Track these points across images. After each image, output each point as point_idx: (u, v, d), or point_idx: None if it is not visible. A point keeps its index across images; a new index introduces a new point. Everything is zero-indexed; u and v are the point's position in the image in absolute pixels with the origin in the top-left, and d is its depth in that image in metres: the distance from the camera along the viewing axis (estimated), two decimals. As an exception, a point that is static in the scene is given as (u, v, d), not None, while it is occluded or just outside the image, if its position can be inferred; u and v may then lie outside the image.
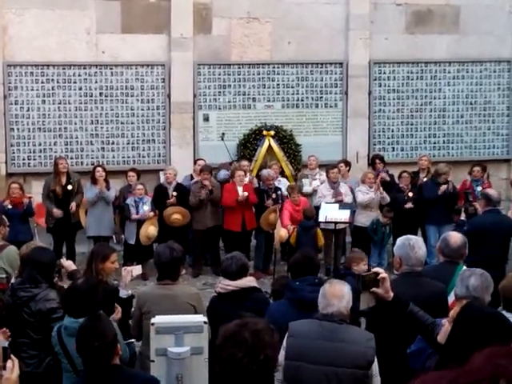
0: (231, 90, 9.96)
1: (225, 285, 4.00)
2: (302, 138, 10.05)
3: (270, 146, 9.79)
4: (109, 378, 2.70)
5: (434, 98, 10.50)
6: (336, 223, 7.84)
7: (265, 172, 8.47)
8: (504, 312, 3.25)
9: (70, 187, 7.96)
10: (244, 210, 7.99)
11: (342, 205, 7.86)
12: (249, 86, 10.00)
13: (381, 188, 8.08)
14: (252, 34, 9.95)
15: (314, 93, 10.17)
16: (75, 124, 9.55)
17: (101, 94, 9.58)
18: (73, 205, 7.83)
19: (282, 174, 9.34)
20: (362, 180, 8.41)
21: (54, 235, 7.94)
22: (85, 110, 9.55)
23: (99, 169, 8.23)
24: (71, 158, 9.30)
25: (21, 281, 3.96)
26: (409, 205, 8.08)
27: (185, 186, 8.45)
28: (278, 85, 10.08)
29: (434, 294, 3.56)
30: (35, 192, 8.72)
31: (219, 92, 9.93)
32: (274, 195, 8.16)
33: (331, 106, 10.24)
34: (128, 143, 9.74)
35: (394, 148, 10.48)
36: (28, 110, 9.43)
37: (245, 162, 8.84)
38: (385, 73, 10.35)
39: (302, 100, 10.16)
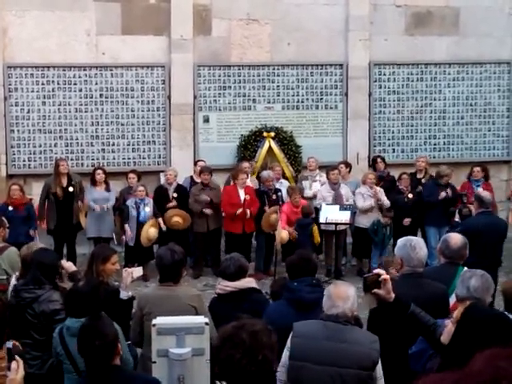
0: (231, 92, 9.96)
1: (224, 286, 4.01)
2: (302, 139, 10.06)
3: (270, 147, 9.79)
4: (109, 378, 2.70)
5: (434, 100, 10.51)
6: (337, 224, 7.84)
7: (264, 173, 8.48)
8: (506, 313, 3.25)
9: (71, 189, 7.96)
10: (245, 212, 7.96)
11: (343, 206, 7.86)
12: (249, 87, 10.01)
13: (379, 195, 8.05)
14: (252, 35, 9.96)
15: (314, 94, 10.18)
16: (75, 125, 9.56)
17: (101, 95, 9.58)
18: (80, 204, 7.86)
19: (283, 175, 9.34)
20: (363, 181, 8.41)
21: (55, 237, 7.93)
22: (85, 112, 9.56)
23: (99, 171, 8.23)
24: (71, 160, 9.30)
25: (24, 282, 3.96)
26: (407, 221, 8.08)
27: (185, 187, 8.44)
28: (278, 86, 10.09)
29: (434, 295, 3.56)
30: (35, 194, 8.72)
31: (219, 93, 9.94)
32: (274, 196, 8.16)
33: (331, 108, 10.24)
34: (128, 144, 9.74)
35: (394, 149, 10.48)
36: (28, 112, 9.43)
37: (246, 164, 8.84)
38: (385, 74, 10.36)
39: (302, 101, 10.16)
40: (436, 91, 10.48)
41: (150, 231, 7.85)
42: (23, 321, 3.85)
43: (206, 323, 3.31)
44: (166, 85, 9.72)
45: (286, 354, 3.00)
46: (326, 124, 10.22)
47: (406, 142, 10.51)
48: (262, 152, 9.75)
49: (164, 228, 7.96)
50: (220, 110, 9.95)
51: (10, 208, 7.51)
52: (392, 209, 8.13)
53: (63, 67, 9.45)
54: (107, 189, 8.17)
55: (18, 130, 9.43)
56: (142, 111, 9.73)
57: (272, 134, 9.81)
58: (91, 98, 9.55)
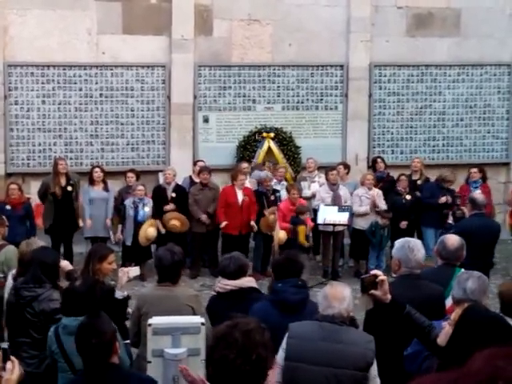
0: (231, 92, 9.96)
1: (224, 284, 4.00)
2: (301, 140, 10.05)
3: (269, 147, 9.79)
4: (106, 376, 2.71)
5: (434, 101, 10.50)
6: (335, 225, 7.84)
7: (262, 174, 8.47)
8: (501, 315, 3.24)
9: (69, 188, 7.95)
10: (242, 214, 7.95)
11: (341, 207, 7.86)
12: (249, 87, 10.01)
13: (376, 199, 8.04)
14: (253, 35, 9.96)
15: (314, 95, 10.18)
16: (75, 125, 9.56)
17: (101, 94, 9.58)
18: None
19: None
20: (361, 182, 8.40)
21: (52, 236, 7.93)
22: (85, 111, 9.56)
23: (97, 169, 8.20)
24: (71, 159, 9.30)
25: (24, 280, 3.96)
26: (404, 224, 8.08)
27: (184, 187, 8.44)
28: (278, 87, 10.09)
29: (431, 297, 3.56)
30: (34, 192, 8.72)
31: (219, 93, 9.94)
32: (272, 197, 8.15)
33: (331, 109, 10.24)
34: (128, 144, 9.74)
35: (393, 151, 10.48)
36: (28, 111, 9.43)
37: (245, 164, 8.83)
38: (385, 75, 10.36)
39: (302, 102, 10.16)
40: (436, 93, 10.48)
41: (149, 231, 7.85)
42: (22, 319, 3.84)
43: (202, 323, 3.31)
44: (166, 85, 9.72)
45: (281, 354, 3.00)
46: (325, 125, 10.22)
47: (405, 143, 10.51)
48: (262, 152, 9.75)
49: (163, 231, 7.95)
50: (220, 110, 9.95)
51: (8, 207, 7.50)
52: (390, 210, 8.12)
53: (63, 66, 9.46)
54: (105, 188, 8.15)
55: (18, 129, 9.43)
56: (142, 111, 9.73)
57: (272, 134, 9.81)
58: (91, 97, 9.56)
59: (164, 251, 3.92)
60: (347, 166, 9.06)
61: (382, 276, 3.00)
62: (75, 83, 9.50)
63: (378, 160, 9.26)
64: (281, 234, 7.78)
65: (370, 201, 8.08)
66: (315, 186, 8.57)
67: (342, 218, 7.78)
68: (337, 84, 10.22)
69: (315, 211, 8.05)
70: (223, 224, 7.88)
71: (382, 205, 8.10)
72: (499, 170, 10.76)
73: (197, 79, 9.83)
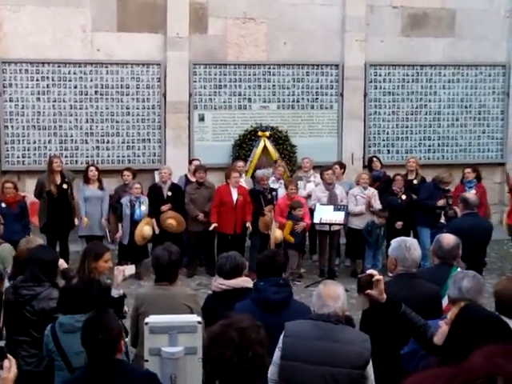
0: (227, 91, 9.95)
1: (219, 284, 4.00)
2: (297, 139, 10.06)
3: (265, 146, 9.79)
4: (110, 371, 2.71)
5: (429, 101, 10.54)
6: (331, 225, 7.85)
7: (259, 172, 8.45)
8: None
9: (65, 186, 7.91)
10: (236, 213, 7.94)
11: (337, 206, 7.87)
12: (244, 86, 10.00)
13: (371, 198, 8.06)
14: (248, 34, 9.95)
15: (309, 94, 10.19)
16: (70, 122, 9.52)
17: (96, 92, 9.55)
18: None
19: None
20: (356, 181, 8.41)
21: (48, 234, 7.89)
22: (80, 109, 9.52)
23: (92, 168, 8.16)
24: (66, 157, 9.26)
25: (23, 279, 3.93)
26: (399, 224, 8.10)
27: (179, 186, 8.42)
28: (273, 86, 10.09)
29: (427, 296, 3.57)
30: (29, 190, 8.68)
31: (215, 92, 9.93)
32: (269, 196, 8.14)
33: (327, 108, 10.26)
34: (123, 142, 9.71)
35: (388, 150, 10.51)
36: (22, 108, 9.39)
37: (240, 163, 8.82)
38: (380, 75, 10.38)
39: (298, 101, 10.17)
40: (431, 93, 10.52)
41: (145, 229, 7.82)
42: (21, 318, 3.82)
43: (199, 322, 3.30)
44: (162, 83, 9.70)
45: (277, 353, 3.00)
46: (321, 124, 10.24)
47: (400, 143, 10.54)
48: (257, 151, 9.74)
49: (157, 230, 7.92)
50: (215, 108, 9.94)
51: (3, 205, 7.46)
52: (386, 210, 8.14)
53: (58, 63, 9.42)
54: (100, 187, 8.11)
55: (12, 126, 9.39)
56: (137, 109, 9.71)
57: (267, 133, 9.81)
58: (86, 94, 9.52)
59: (161, 251, 3.90)
60: (343, 166, 9.07)
61: (377, 276, 3.01)
62: (70, 80, 9.46)
63: (374, 159, 9.27)
64: (277, 233, 7.78)
65: (365, 200, 8.09)
66: (311, 186, 8.56)
67: (338, 217, 7.79)
68: (332, 83, 10.24)
69: (311, 211, 8.05)
70: (212, 226, 7.85)
71: (377, 205, 8.12)
72: (494, 170, 10.81)
73: (192, 77, 9.81)
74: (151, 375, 2.85)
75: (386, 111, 10.45)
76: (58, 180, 7.90)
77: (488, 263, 8.66)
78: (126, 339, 3.83)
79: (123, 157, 9.70)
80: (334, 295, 3.03)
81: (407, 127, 10.53)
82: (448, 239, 4.15)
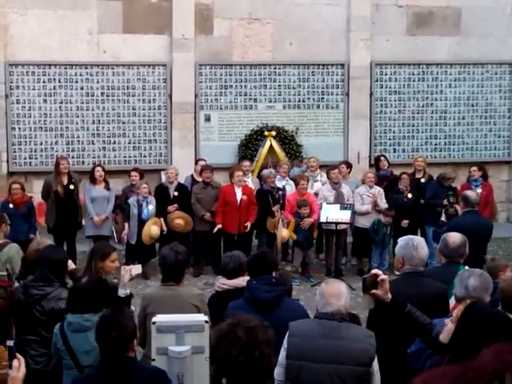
0: (232, 91, 9.97)
1: (221, 283, 4.01)
2: (303, 138, 10.07)
3: (271, 146, 9.80)
4: (121, 369, 2.73)
5: (436, 100, 10.51)
6: (337, 224, 7.84)
7: (266, 171, 8.45)
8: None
9: (71, 187, 7.95)
10: (240, 213, 7.95)
11: (343, 205, 7.86)
12: (250, 86, 10.02)
13: (377, 197, 8.05)
14: (253, 34, 9.97)
15: (315, 94, 10.19)
16: (77, 123, 9.58)
17: (102, 93, 9.60)
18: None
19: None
20: (362, 180, 8.41)
21: (55, 235, 7.93)
22: (86, 110, 9.57)
23: (98, 168, 8.18)
24: (72, 158, 9.31)
25: (33, 278, 3.95)
26: (405, 223, 8.08)
27: (186, 186, 8.43)
28: (279, 85, 10.10)
29: (435, 294, 3.56)
30: (36, 191, 8.73)
31: (220, 92, 9.95)
32: (276, 195, 8.13)
33: (332, 107, 10.25)
34: (129, 143, 9.75)
35: (395, 149, 10.49)
36: (29, 110, 9.45)
37: (246, 163, 8.82)
38: (386, 74, 10.37)
39: (304, 101, 10.17)
40: (437, 91, 10.49)
41: (152, 229, 7.84)
42: (31, 317, 3.84)
43: (206, 321, 3.31)
44: (168, 83, 9.73)
45: (282, 354, 3.00)
46: (327, 123, 10.23)
47: (406, 141, 10.52)
48: (263, 151, 9.75)
49: (165, 230, 7.94)
50: (221, 108, 9.96)
51: (11, 206, 7.50)
52: (392, 209, 8.12)
53: (65, 65, 9.47)
54: (107, 187, 8.14)
55: (19, 128, 9.45)
56: (144, 110, 9.74)
57: (273, 133, 9.82)
58: (92, 96, 9.57)
59: (168, 250, 3.91)
60: (349, 165, 9.06)
61: (382, 275, 3.01)
62: (76, 82, 9.51)
63: (382, 158, 9.25)
64: (283, 233, 7.78)
65: (371, 199, 8.08)
66: (317, 185, 8.56)
67: (345, 216, 7.78)
68: (338, 83, 10.23)
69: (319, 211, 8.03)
70: (216, 228, 7.87)
71: (383, 204, 8.11)
72: (501, 168, 10.77)
73: (198, 78, 9.84)
74: (160, 372, 2.87)
75: (392, 110, 10.43)
76: (65, 181, 7.93)
77: (495, 262, 8.65)
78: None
79: (130, 157, 9.74)
80: (336, 293, 3.04)
81: (413, 126, 10.51)
82: (454, 238, 4.13)
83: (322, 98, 10.21)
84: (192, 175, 8.74)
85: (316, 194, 8.36)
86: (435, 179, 8.47)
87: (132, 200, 7.95)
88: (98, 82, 9.58)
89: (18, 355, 2.19)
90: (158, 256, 5.14)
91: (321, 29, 10.05)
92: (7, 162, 9.42)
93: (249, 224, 7.89)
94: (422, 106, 10.48)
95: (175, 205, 8.09)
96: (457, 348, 2.43)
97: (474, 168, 8.47)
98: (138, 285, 6.88)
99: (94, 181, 8.10)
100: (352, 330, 3.04)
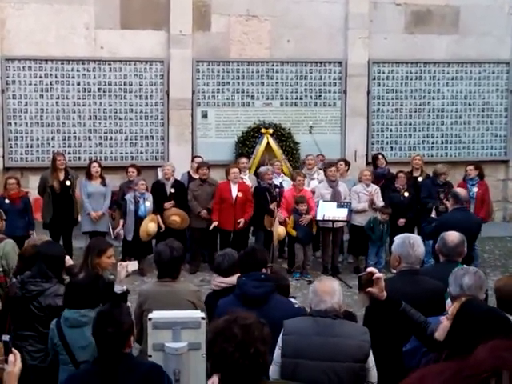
0: (230, 88, 9.96)
1: (218, 282, 4.00)
2: (300, 136, 10.06)
3: (268, 143, 9.79)
4: (118, 365, 2.73)
5: (433, 99, 10.52)
6: (334, 221, 7.85)
7: (263, 168, 8.45)
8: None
9: (68, 183, 7.93)
10: (235, 210, 7.94)
11: (340, 203, 7.86)
12: (247, 83, 10.00)
13: (374, 196, 8.06)
14: (251, 31, 9.95)
15: (312, 91, 10.18)
16: (73, 119, 9.54)
17: (99, 89, 9.56)
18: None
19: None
20: (359, 178, 8.41)
21: (51, 230, 7.91)
22: (83, 106, 9.54)
23: (95, 164, 8.16)
24: (69, 153, 9.28)
25: (31, 274, 3.93)
26: (402, 222, 8.10)
27: (182, 182, 8.42)
28: (276, 83, 10.09)
29: (431, 292, 3.56)
30: (32, 187, 8.70)
31: (218, 89, 9.93)
32: (274, 192, 8.13)
33: (330, 105, 10.25)
34: (126, 139, 9.73)
35: (392, 147, 10.50)
36: (26, 105, 9.41)
37: (244, 159, 8.81)
38: (384, 72, 10.37)
39: (301, 98, 10.17)
40: (435, 90, 10.50)
41: (150, 226, 7.83)
42: (28, 313, 3.83)
43: (203, 317, 3.31)
44: (165, 80, 9.71)
45: (277, 352, 3.00)
46: (324, 121, 10.23)
47: (404, 140, 10.53)
48: (260, 148, 9.75)
49: (163, 227, 7.93)
50: (218, 105, 9.95)
51: (7, 201, 7.48)
52: (389, 206, 8.13)
53: (61, 60, 9.43)
54: (103, 183, 8.12)
55: (16, 123, 9.41)
56: (140, 106, 9.72)
57: (270, 130, 9.81)
58: (89, 91, 9.53)
59: (163, 246, 3.90)
60: (347, 163, 9.06)
61: (377, 274, 3.01)
62: (73, 77, 9.48)
63: (379, 156, 9.25)
64: (280, 230, 7.78)
65: (367, 197, 8.09)
66: (314, 184, 8.55)
67: (341, 214, 7.78)
68: (335, 80, 10.23)
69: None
70: (212, 225, 7.86)
71: (380, 202, 8.12)
72: (498, 167, 10.80)
73: (195, 75, 9.81)
74: (157, 367, 2.87)
75: (390, 108, 10.44)
76: (62, 177, 7.92)
77: (492, 260, 8.70)
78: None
79: (126, 153, 9.72)
80: (329, 290, 3.04)
81: (410, 124, 10.52)
82: (452, 236, 4.13)
83: (320, 96, 10.21)
84: (188, 172, 8.73)
85: (313, 193, 8.36)
86: (429, 178, 8.50)
87: (129, 196, 7.93)
88: (94, 77, 9.54)
89: (13, 350, 2.18)
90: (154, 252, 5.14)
91: (318, 26, 10.04)
92: (3, 157, 9.38)
93: (242, 220, 7.88)
94: (420, 105, 10.49)
95: (172, 201, 8.08)
96: (452, 345, 2.44)
97: (471, 167, 8.49)
98: (134, 281, 6.87)
99: (90, 176, 8.08)
100: (346, 327, 3.05)
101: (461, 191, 6.04)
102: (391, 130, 10.49)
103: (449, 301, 3.41)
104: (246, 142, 9.80)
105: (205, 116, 9.91)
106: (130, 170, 8.35)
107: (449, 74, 10.53)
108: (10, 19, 9.30)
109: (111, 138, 9.68)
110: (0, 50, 9.26)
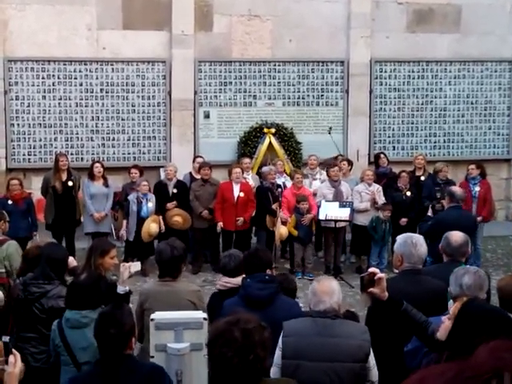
0: (232, 88, 9.96)
1: (224, 282, 4.00)
2: (302, 135, 10.06)
3: (270, 143, 9.79)
4: (120, 366, 2.73)
5: (435, 98, 10.50)
6: (336, 221, 7.84)
7: (265, 168, 8.45)
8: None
9: (70, 183, 7.94)
10: (237, 210, 7.94)
11: (342, 203, 7.86)
12: (249, 83, 10.01)
13: (376, 195, 8.05)
14: (253, 31, 9.95)
15: (314, 91, 10.18)
16: (76, 120, 9.56)
17: (101, 90, 9.58)
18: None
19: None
20: (361, 178, 8.41)
21: (53, 231, 7.93)
22: (85, 106, 9.56)
23: (97, 164, 8.17)
24: (71, 154, 9.30)
25: (33, 276, 3.93)
26: (404, 221, 8.09)
27: (185, 182, 8.43)
28: (278, 82, 10.08)
29: (433, 292, 3.55)
30: (35, 188, 8.72)
31: (220, 89, 9.94)
32: (276, 192, 8.13)
33: (332, 105, 10.24)
34: (128, 140, 9.74)
35: (394, 147, 10.48)
36: (28, 106, 9.43)
37: (246, 160, 8.81)
38: (386, 71, 10.36)
39: (303, 98, 10.17)
40: (437, 89, 10.48)
41: (152, 227, 7.83)
42: (30, 315, 3.83)
43: (205, 318, 3.31)
44: (167, 80, 9.72)
45: (278, 354, 3.00)
46: (326, 121, 10.23)
47: (406, 139, 10.52)
48: (263, 148, 9.75)
49: (163, 229, 7.93)
50: (221, 105, 9.96)
51: (10, 202, 7.49)
52: (390, 204, 8.13)
53: (64, 61, 9.45)
54: (105, 184, 8.13)
55: (18, 124, 9.43)
56: (143, 106, 9.73)
57: (272, 130, 9.81)
58: (92, 92, 9.55)
59: (164, 245, 3.90)
60: (350, 162, 9.04)
61: (379, 274, 3.01)
62: (75, 78, 9.50)
63: (382, 156, 9.24)
64: (282, 230, 7.78)
65: (369, 197, 8.08)
66: (316, 184, 8.55)
67: (344, 213, 7.78)
68: (337, 80, 10.22)
69: (317, 208, 8.04)
70: (219, 227, 7.89)
71: (381, 201, 8.11)
72: (500, 166, 10.78)
73: (197, 75, 9.82)
74: (158, 368, 2.87)
75: (392, 108, 10.43)
76: (64, 177, 7.93)
77: (494, 260, 8.68)
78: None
79: (129, 154, 9.73)
80: (328, 290, 3.04)
81: (413, 124, 10.50)
82: (456, 236, 4.12)
83: (322, 96, 10.21)
84: (190, 172, 8.73)
85: (314, 194, 8.36)
86: (430, 178, 8.49)
87: (132, 197, 7.94)
88: (97, 78, 9.56)
89: (14, 351, 2.18)
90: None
91: (320, 26, 10.03)
92: (6, 158, 9.41)
93: (241, 219, 7.88)
94: (422, 104, 10.48)
95: (174, 202, 8.09)
96: (454, 345, 2.43)
97: (472, 166, 8.47)
98: (136, 282, 6.87)
99: (92, 177, 8.09)
100: (346, 327, 3.04)
101: (457, 190, 6.04)
102: (393, 129, 10.48)
103: (451, 301, 3.41)
104: (249, 142, 9.80)
105: (207, 116, 9.91)
106: (133, 170, 8.35)
107: (451, 73, 10.51)
108: (12, 20, 9.32)
109: (114, 139, 9.70)
110: (2, 51, 9.28)
